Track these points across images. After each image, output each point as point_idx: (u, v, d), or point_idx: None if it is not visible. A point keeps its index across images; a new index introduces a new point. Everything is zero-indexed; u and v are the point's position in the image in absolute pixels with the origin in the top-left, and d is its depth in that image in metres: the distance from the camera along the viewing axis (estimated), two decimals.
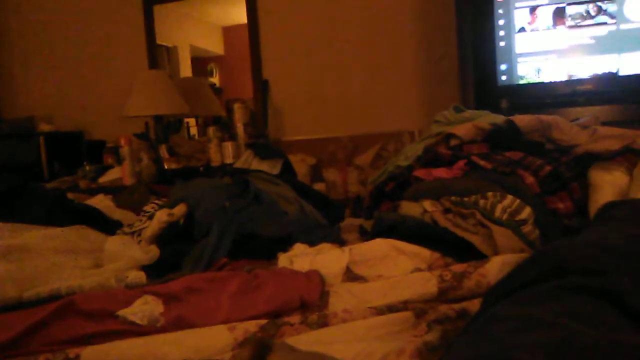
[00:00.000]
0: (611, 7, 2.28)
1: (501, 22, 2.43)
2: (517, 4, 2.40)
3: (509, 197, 1.12)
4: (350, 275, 0.99)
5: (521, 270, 0.66)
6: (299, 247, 1.15)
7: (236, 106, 2.95)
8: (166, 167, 2.81)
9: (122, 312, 0.81)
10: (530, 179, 1.20)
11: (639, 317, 0.53)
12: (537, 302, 0.56)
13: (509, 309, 0.57)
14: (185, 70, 3.59)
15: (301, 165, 2.86)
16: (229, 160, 2.72)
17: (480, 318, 0.59)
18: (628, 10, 2.26)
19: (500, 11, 2.43)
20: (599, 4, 2.29)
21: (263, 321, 0.78)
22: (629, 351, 0.46)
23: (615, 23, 2.28)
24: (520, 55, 2.44)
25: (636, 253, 0.64)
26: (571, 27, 2.35)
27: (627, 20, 2.27)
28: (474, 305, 0.79)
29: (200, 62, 3.62)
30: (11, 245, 1.12)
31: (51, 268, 1.05)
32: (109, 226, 1.39)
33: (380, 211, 1.34)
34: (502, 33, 2.44)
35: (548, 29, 2.38)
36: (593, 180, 1.19)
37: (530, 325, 0.51)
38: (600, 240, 0.69)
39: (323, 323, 0.78)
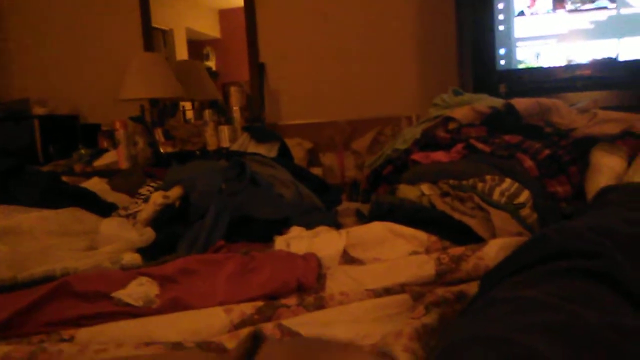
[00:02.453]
0: None
1: (500, 5, 2.41)
2: None
3: (507, 181, 1.11)
4: (347, 258, 0.99)
5: (519, 254, 0.66)
6: (295, 230, 1.14)
7: (232, 90, 2.92)
8: (162, 150, 2.79)
9: (117, 294, 0.80)
10: (528, 163, 1.20)
11: (639, 301, 0.52)
12: (535, 284, 0.56)
13: (507, 291, 0.56)
14: (181, 53, 3.55)
15: (298, 149, 2.85)
16: (225, 144, 2.70)
17: (478, 300, 0.58)
18: None
19: None
20: None
21: (259, 303, 0.78)
22: (628, 334, 0.45)
23: (616, 7, 2.26)
24: (520, 39, 2.42)
25: (635, 236, 0.63)
26: (571, 11, 2.33)
27: (627, 5, 2.25)
28: (472, 287, 0.78)
29: (196, 46, 3.58)
30: (5, 227, 1.11)
31: (45, 250, 1.03)
32: (103, 209, 1.37)
33: (377, 194, 1.33)
34: (501, 17, 2.42)
35: (548, 12, 2.36)
36: (594, 162, 1.18)
37: (528, 307, 0.50)
38: (599, 224, 0.68)
39: (320, 305, 0.78)
